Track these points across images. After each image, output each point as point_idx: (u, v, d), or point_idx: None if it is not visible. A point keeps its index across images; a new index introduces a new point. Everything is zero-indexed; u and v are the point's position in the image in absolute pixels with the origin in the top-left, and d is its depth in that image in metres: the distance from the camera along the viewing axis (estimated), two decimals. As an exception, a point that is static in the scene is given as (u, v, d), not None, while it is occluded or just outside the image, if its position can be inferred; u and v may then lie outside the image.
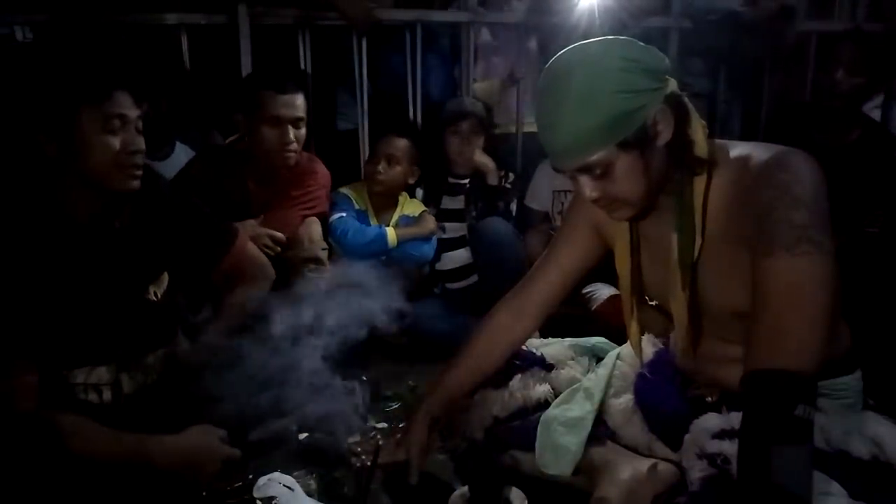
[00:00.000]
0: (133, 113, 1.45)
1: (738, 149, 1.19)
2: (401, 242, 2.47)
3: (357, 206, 2.52)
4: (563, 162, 1.17)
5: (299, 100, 2.16)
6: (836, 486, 1.09)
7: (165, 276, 1.64)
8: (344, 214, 2.44)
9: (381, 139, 2.55)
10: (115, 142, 1.42)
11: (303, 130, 2.18)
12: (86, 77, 1.42)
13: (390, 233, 2.45)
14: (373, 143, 2.70)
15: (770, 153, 1.13)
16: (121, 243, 1.53)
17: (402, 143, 2.51)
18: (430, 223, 2.56)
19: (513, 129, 3.01)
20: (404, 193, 2.62)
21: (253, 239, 1.99)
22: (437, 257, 2.65)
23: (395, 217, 2.57)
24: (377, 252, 2.44)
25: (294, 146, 2.15)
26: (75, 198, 1.45)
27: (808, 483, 1.00)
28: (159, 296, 1.61)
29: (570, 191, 2.51)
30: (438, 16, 2.92)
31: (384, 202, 2.57)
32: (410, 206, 2.61)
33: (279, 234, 2.14)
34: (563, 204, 2.65)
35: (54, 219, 1.44)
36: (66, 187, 1.44)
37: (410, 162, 2.54)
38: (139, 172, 1.48)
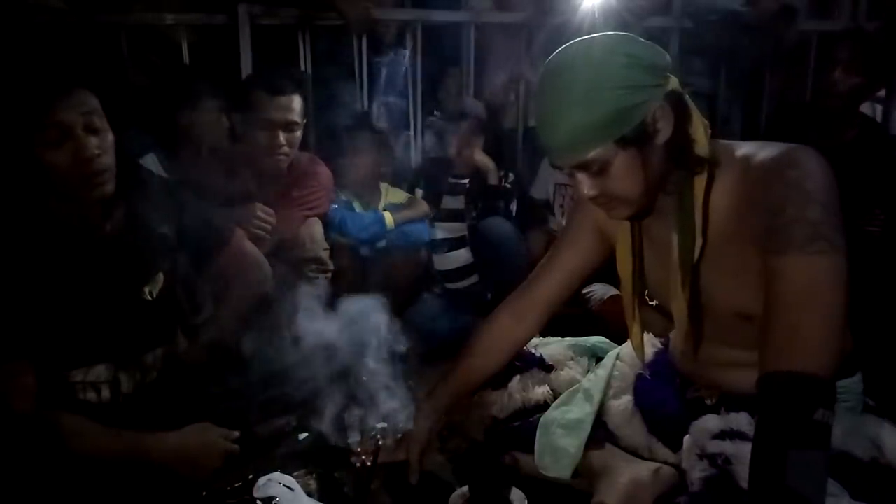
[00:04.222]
0: (76, 119, 1.34)
1: (743, 148, 1.18)
2: (397, 225, 2.54)
3: (343, 197, 2.57)
4: (561, 158, 1.17)
5: (294, 103, 2.13)
6: (837, 487, 1.09)
7: (160, 276, 1.63)
8: (336, 206, 2.48)
9: (348, 138, 2.60)
10: (62, 155, 1.33)
11: (297, 134, 2.16)
12: (14, 98, 1.33)
13: (387, 216, 2.53)
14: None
15: (778, 150, 1.12)
16: (112, 245, 1.52)
17: (366, 136, 2.58)
18: (423, 205, 2.64)
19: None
20: (385, 184, 2.68)
21: (244, 222, 1.99)
22: (436, 256, 2.66)
23: (382, 205, 2.63)
24: (376, 235, 2.50)
25: (285, 150, 2.14)
26: (63, 201, 1.43)
27: (822, 488, 0.99)
28: (154, 295, 1.60)
29: (570, 185, 2.51)
30: (438, 16, 2.92)
31: (366, 192, 2.63)
32: (394, 195, 2.68)
33: (269, 211, 2.12)
34: (564, 197, 2.65)
35: (46, 222, 1.44)
36: (53, 193, 1.42)
37: (378, 153, 2.60)
38: (104, 177, 1.40)
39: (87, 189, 1.39)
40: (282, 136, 2.12)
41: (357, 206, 2.60)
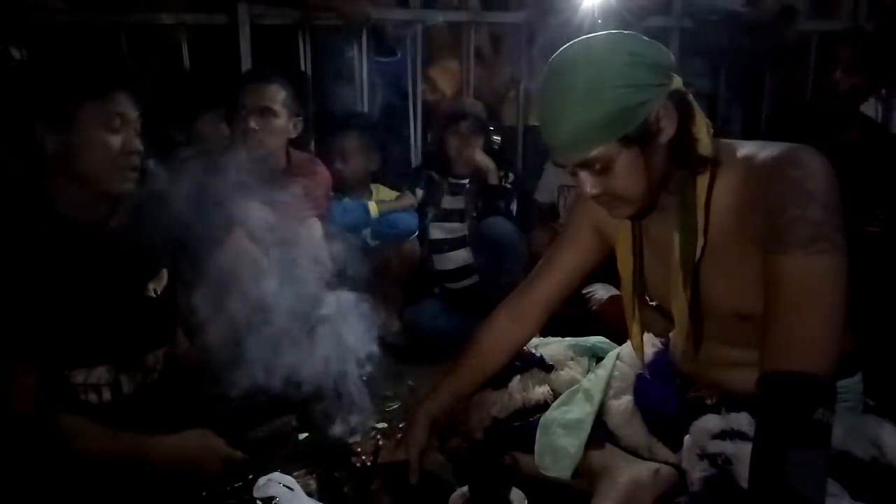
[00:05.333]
0: (133, 114, 1.46)
1: (745, 148, 1.18)
2: (383, 214, 2.61)
3: (333, 196, 2.59)
4: (564, 156, 1.17)
5: (268, 90, 2.16)
6: (837, 487, 1.09)
7: (164, 273, 1.64)
8: None
9: (338, 137, 2.64)
10: (116, 140, 1.43)
11: (273, 121, 2.17)
12: (91, 72, 1.43)
13: (371, 205, 2.62)
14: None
15: (779, 149, 1.12)
16: (117, 241, 1.52)
17: (357, 138, 2.62)
18: (409, 198, 2.70)
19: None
20: (376, 184, 2.73)
21: (243, 222, 1.99)
22: (436, 256, 2.67)
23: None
24: (358, 221, 2.56)
25: (257, 136, 2.15)
26: (70, 197, 1.45)
27: (822, 488, 0.99)
28: (158, 292, 1.61)
29: (574, 186, 2.51)
30: (438, 16, 2.92)
31: (357, 191, 2.66)
32: (384, 194, 2.72)
33: (268, 210, 2.13)
34: (567, 199, 2.66)
35: (49, 218, 1.44)
36: (61, 186, 1.44)
37: (368, 153, 2.65)
38: (135, 174, 1.48)
39: (119, 180, 1.46)
40: (253, 122, 2.13)
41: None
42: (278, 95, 2.18)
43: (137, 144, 1.47)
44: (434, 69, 3.08)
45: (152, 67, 2.62)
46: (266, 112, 2.16)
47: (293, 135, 2.26)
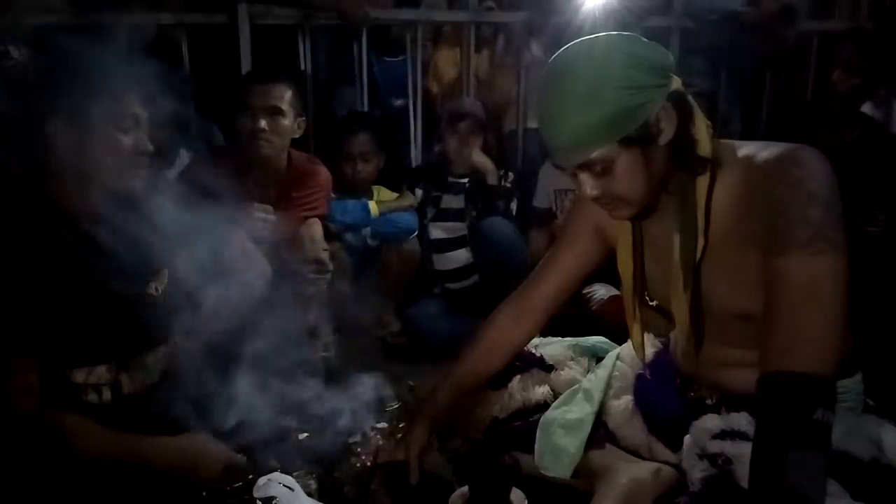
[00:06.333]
0: (144, 114, 1.48)
1: (745, 148, 1.18)
2: (383, 214, 2.63)
3: (334, 197, 2.60)
4: (564, 158, 1.17)
5: (276, 90, 2.16)
6: (837, 487, 1.09)
7: (165, 272, 1.64)
8: None
9: (350, 139, 2.62)
10: (127, 140, 1.44)
11: (282, 121, 2.17)
12: (106, 72, 1.44)
13: (371, 204, 2.63)
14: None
15: (780, 150, 1.12)
16: (120, 239, 1.53)
17: (368, 140, 2.62)
18: (409, 197, 2.71)
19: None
20: (377, 186, 2.73)
21: (244, 222, 1.99)
22: (436, 255, 2.67)
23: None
24: (359, 219, 2.58)
25: (266, 135, 2.14)
26: (75, 195, 1.45)
27: (822, 488, 0.99)
28: (160, 291, 1.61)
29: (570, 190, 2.52)
30: (438, 16, 2.92)
31: (360, 193, 2.67)
32: (385, 195, 2.73)
33: (269, 209, 2.12)
34: (564, 202, 2.65)
35: (53, 215, 1.45)
36: (66, 184, 1.44)
37: (378, 154, 2.67)
38: (144, 172, 1.50)
39: (127, 179, 1.49)
40: (263, 121, 2.13)
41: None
42: (285, 95, 2.17)
43: (147, 145, 1.49)
44: (439, 55, 3.08)
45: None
46: (274, 111, 2.15)
47: (297, 135, 2.25)
